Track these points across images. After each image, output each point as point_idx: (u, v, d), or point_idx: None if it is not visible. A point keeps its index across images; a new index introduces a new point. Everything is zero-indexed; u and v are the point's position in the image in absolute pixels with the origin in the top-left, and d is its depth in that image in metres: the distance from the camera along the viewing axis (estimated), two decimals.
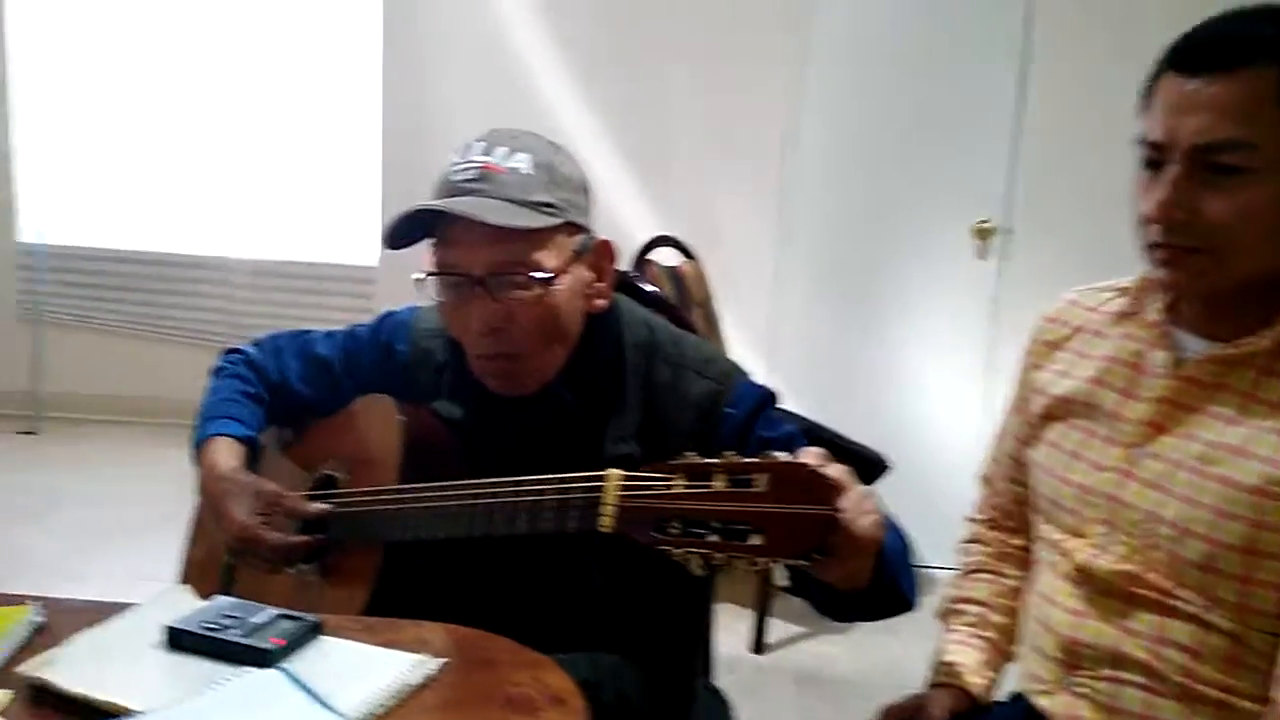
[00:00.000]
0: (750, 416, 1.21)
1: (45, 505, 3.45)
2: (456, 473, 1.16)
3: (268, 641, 0.99)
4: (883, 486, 2.02)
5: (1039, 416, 1.24)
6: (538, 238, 1.14)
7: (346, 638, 1.03)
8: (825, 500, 0.87)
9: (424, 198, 1.17)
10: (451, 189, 1.15)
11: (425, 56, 3.69)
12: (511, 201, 1.13)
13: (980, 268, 3.18)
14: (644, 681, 1.19)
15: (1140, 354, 1.15)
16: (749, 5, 3.37)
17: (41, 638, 1.03)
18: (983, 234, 3.15)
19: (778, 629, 2.80)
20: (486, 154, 1.16)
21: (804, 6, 3.22)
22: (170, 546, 1.47)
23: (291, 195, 4.16)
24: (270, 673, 0.95)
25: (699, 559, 0.89)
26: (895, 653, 2.63)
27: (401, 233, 1.18)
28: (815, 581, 0.99)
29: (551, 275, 1.15)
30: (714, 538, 0.88)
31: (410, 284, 1.20)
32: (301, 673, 0.95)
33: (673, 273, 2.82)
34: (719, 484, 0.89)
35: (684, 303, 2.74)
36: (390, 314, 1.38)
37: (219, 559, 1.33)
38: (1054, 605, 1.17)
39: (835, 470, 0.90)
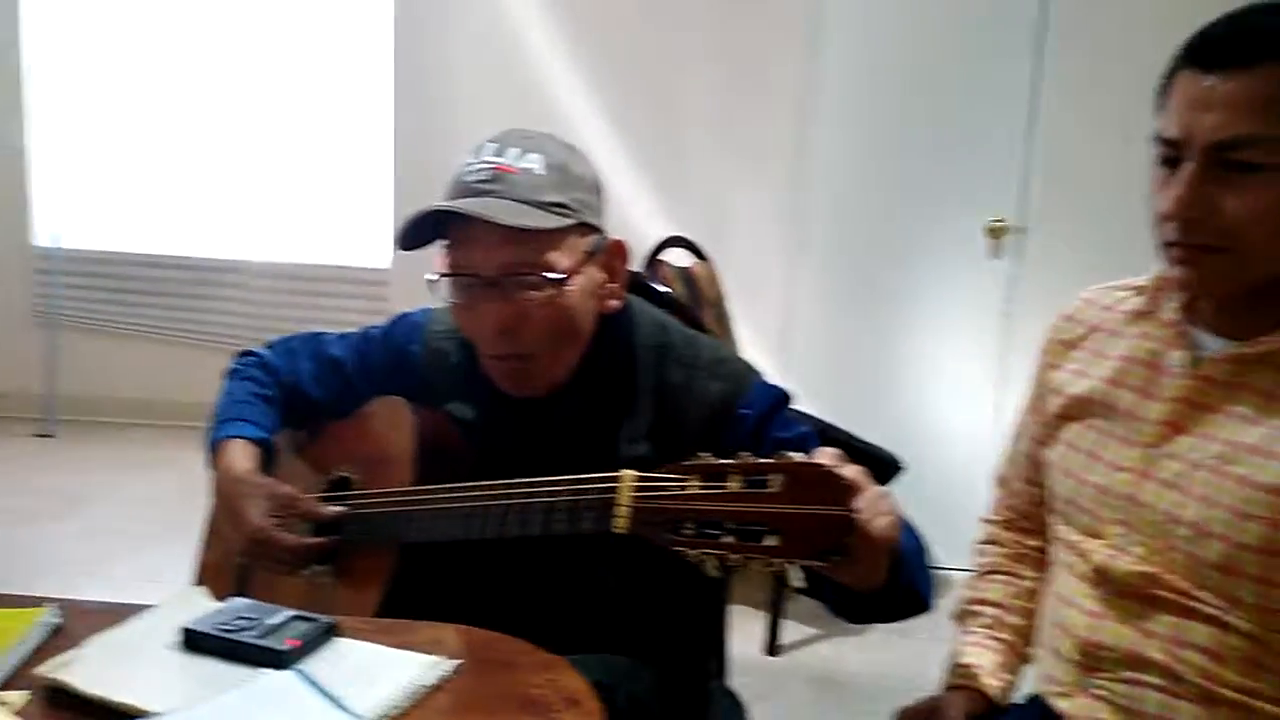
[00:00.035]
0: (764, 417, 1.20)
1: (62, 507, 3.47)
2: (470, 474, 1.16)
3: (283, 643, 0.99)
4: (897, 487, 2.01)
5: (1055, 416, 1.23)
6: (550, 238, 1.14)
7: (361, 639, 1.03)
8: (841, 501, 0.86)
9: (437, 199, 1.17)
10: (464, 190, 1.15)
11: (437, 59, 3.69)
12: (524, 202, 1.13)
13: (994, 267, 3.16)
14: (658, 683, 1.18)
15: (1157, 353, 1.14)
16: (762, 5, 3.36)
17: (58, 639, 1.03)
18: (996, 233, 3.14)
19: (791, 631, 2.79)
20: (499, 155, 1.16)
21: (817, 6, 3.22)
22: (185, 548, 1.47)
23: (305, 198, 4.18)
24: (286, 674, 0.95)
25: (714, 560, 0.89)
26: (910, 655, 2.61)
27: (414, 234, 1.18)
28: (831, 583, 0.99)
29: (564, 276, 1.15)
30: (729, 539, 0.88)
31: (424, 285, 1.19)
32: (317, 674, 0.96)
33: (685, 273, 2.81)
34: (734, 485, 0.89)
35: (696, 303, 2.73)
36: (404, 315, 1.38)
37: (234, 561, 1.33)
38: (1071, 607, 1.16)
39: (850, 470, 0.90)
